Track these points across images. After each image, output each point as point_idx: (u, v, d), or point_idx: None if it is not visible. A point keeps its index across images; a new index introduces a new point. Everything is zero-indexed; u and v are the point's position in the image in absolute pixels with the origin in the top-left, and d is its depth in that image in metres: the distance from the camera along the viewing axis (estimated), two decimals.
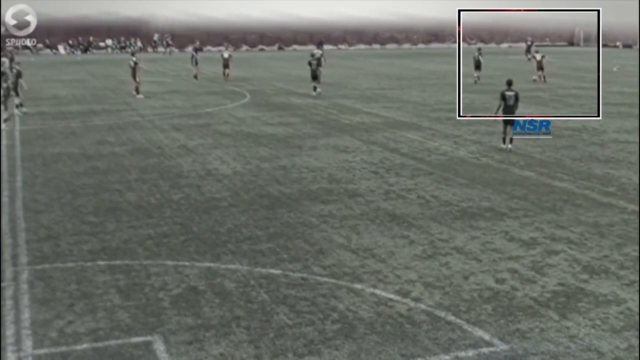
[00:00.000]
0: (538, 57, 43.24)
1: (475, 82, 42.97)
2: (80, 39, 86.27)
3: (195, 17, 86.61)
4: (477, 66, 43.83)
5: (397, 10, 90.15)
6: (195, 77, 45.75)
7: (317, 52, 42.87)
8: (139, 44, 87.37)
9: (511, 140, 21.35)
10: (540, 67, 42.40)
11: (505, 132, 21.42)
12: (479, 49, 48.42)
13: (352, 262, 11.69)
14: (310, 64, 36.47)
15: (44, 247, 12.57)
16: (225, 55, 47.01)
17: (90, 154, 21.01)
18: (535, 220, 13.91)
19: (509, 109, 21.17)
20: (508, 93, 21.27)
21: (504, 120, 21.36)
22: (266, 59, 69.04)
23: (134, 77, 36.04)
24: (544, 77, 42.35)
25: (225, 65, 45.72)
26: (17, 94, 29.61)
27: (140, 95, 35.59)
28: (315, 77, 35.94)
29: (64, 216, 14.55)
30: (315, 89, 35.98)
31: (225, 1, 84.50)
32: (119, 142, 22.98)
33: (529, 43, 64.80)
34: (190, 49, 53.30)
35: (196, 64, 46.47)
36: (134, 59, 36.25)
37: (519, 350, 8.59)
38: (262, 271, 11.31)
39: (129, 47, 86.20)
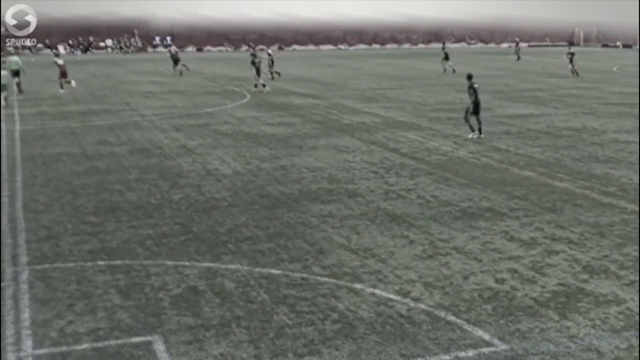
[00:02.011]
0: (570, 52, 47.45)
1: (445, 71, 49.27)
2: (80, 39, 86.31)
3: (195, 17, 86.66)
4: (447, 57, 50.38)
5: (397, 10, 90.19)
6: (180, 73, 49.17)
7: (271, 51, 47.31)
8: (139, 44, 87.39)
9: (480, 129, 23.30)
10: (571, 61, 46.11)
11: (478, 122, 23.30)
12: (444, 42, 58.72)
13: (352, 262, 11.69)
14: (253, 62, 39.08)
15: (44, 247, 12.57)
16: (172, 50, 53.56)
17: (90, 154, 21.02)
18: (535, 220, 13.90)
19: (477, 100, 23.03)
20: (476, 85, 23.16)
21: (475, 112, 23.12)
22: (266, 59, 68.96)
23: (64, 75, 38.60)
24: (576, 71, 45.93)
25: (176, 60, 50.60)
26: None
27: (63, 90, 38.09)
28: (259, 73, 38.75)
29: (64, 216, 14.55)
30: (264, 85, 38.45)
31: (225, 1, 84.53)
32: (119, 142, 22.98)
33: (517, 42, 68.74)
34: (170, 48, 58.24)
35: (176, 62, 49.97)
36: (60, 60, 39.60)
37: (519, 350, 8.59)
38: (262, 271, 11.30)
39: (129, 47, 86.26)
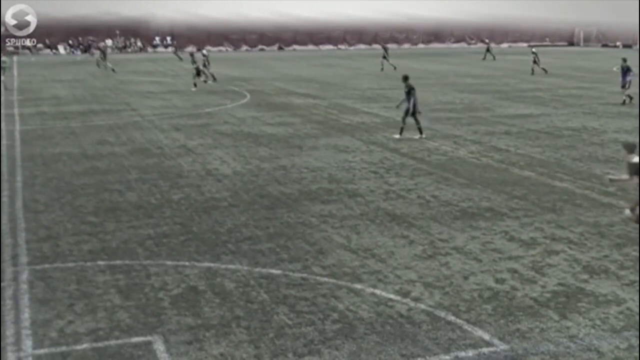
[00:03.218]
0: (532, 52, 48.87)
1: (383, 69, 51.52)
2: (80, 39, 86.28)
3: (195, 17, 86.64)
4: (385, 57, 53.22)
5: (397, 10, 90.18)
6: (113, 70, 51.75)
7: (205, 52, 47.37)
8: (139, 43, 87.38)
9: (420, 129, 23.34)
10: (535, 61, 47.21)
11: (404, 123, 23.22)
12: (384, 43, 63.54)
13: (352, 262, 11.69)
14: (193, 62, 40.87)
15: (44, 247, 12.57)
16: (102, 47, 59.79)
17: (90, 154, 21.02)
18: (535, 220, 13.90)
19: (415, 101, 22.97)
20: (413, 86, 23.23)
21: (413, 112, 23.00)
22: (266, 59, 69.06)
23: None
24: (544, 69, 46.98)
25: (104, 57, 55.12)
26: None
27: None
28: (199, 74, 40.33)
29: (64, 216, 14.55)
30: (205, 82, 41.03)
31: (225, 1, 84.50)
32: (119, 142, 22.98)
33: (487, 42, 71.40)
34: (98, 48, 62.73)
35: (104, 58, 54.57)
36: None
37: (519, 350, 8.59)
38: (262, 271, 11.31)
39: (129, 47, 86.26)
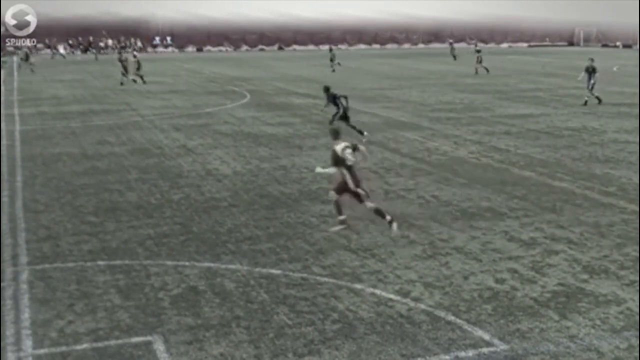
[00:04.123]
0: (477, 51, 50.75)
1: (334, 71, 51.69)
2: (80, 39, 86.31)
3: (195, 17, 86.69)
4: (332, 59, 54.22)
5: (397, 10, 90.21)
6: (32, 70, 54.01)
7: (136, 54, 48.85)
8: (139, 44, 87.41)
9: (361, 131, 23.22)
10: (479, 61, 48.63)
11: (354, 127, 23.08)
12: (331, 46, 67.63)
13: (352, 262, 11.69)
14: (120, 60, 43.59)
15: (44, 247, 12.57)
16: (24, 48, 60.19)
17: (90, 154, 21.02)
18: (535, 220, 13.90)
19: (346, 106, 23.18)
20: (338, 94, 23.44)
21: (346, 119, 23.10)
22: (266, 59, 69.06)
23: None
24: (486, 69, 48.50)
25: (27, 58, 57.71)
26: None
27: None
28: (126, 72, 42.41)
29: (64, 216, 14.55)
30: (135, 81, 42.55)
31: (225, 1, 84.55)
32: (119, 142, 22.98)
33: (451, 42, 74.86)
34: (22, 48, 65.23)
35: (26, 59, 57.17)
36: None
37: (519, 350, 8.59)
38: (262, 271, 11.30)
39: (129, 47, 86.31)
